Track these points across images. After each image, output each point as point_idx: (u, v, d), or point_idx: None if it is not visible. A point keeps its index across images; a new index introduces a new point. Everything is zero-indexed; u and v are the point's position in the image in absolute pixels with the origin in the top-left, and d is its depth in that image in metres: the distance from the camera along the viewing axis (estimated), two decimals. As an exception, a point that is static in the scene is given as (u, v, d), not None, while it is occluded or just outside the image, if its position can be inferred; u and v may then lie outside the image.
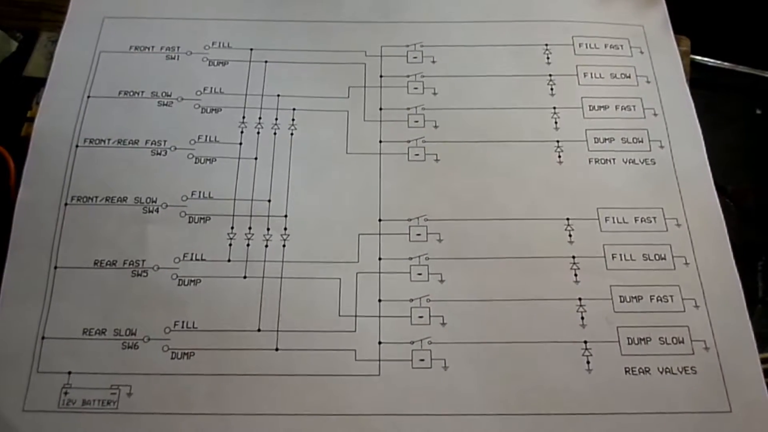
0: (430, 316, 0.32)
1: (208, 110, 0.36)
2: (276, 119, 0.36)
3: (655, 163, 0.35)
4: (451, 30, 0.39)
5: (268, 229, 0.33)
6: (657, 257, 0.33)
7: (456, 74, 0.37)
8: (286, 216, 0.34)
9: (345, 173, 0.35)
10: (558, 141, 0.35)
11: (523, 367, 0.31)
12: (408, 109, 0.36)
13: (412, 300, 0.32)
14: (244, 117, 0.36)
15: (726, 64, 0.45)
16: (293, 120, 0.36)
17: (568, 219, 0.34)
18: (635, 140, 0.36)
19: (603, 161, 0.35)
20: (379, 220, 0.34)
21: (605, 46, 0.38)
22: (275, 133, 0.36)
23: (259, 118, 0.36)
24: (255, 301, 0.32)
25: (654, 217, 0.34)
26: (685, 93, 0.37)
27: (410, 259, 0.33)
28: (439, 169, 0.35)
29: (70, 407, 0.30)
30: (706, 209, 0.34)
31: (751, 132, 0.44)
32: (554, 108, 0.36)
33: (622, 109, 0.36)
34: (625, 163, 0.35)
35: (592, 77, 0.37)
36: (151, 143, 0.35)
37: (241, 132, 0.36)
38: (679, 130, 0.36)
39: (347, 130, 0.36)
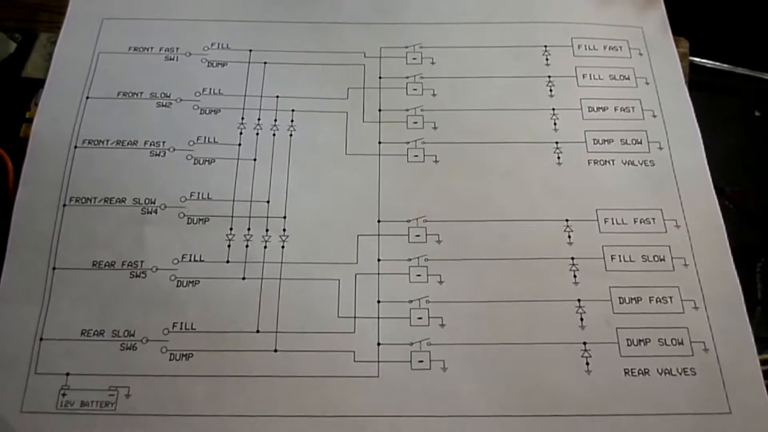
0: (429, 317, 0.32)
1: (207, 111, 0.36)
2: (275, 120, 0.36)
3: (654, 165, 0.35)
4: (450, 31, 0.39)
5: (267, 230, 0.33)
6: (656, 258, 0.33)
7: (455, 75, 0.37)
8: (285, 217, 0.34)
9: (344, 174, 0.35)
10: (557, 142, 0.35)
11: (523, 368, 0.31)
12: (407, 110, 0.36)
13: (411, 301, 0.32)
14: (243, 118, 0.36)
15: (725, 66, 0.45)
16: (292, 121, 0.36)
17: (567, 220, 0.34)
18: (634, 141, 0.36)
19: (602, 162, 0.35)
20: (378, 221, 0.34)
21: (604, 48, 0.38)
22: (274, 134, 0.36)
23: (258, 119, 0.36)
24: (254, 302, 0.32)
25: (653, 219, 0.34)
26: (684, 94, 0.37)
27: (409, 260, 0.33)
28: (438, 170, 0.35)
29: (68, 408, 0.30)
30: (706, 210, 0.34)
31: (750, 134, 0.44)
32: (553, 109, 0.36)
33: (621, 110, 0.36)
34: (624, 164, 0.35)
35: (591, 78, 0.37)
36: (150, 144, 0.35)
37: (240, 133, 0.36)
38: (678, 131, 0.36)
39: (346, 131, 0.36)
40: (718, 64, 0.45)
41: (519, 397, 0.30)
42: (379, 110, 0.36)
